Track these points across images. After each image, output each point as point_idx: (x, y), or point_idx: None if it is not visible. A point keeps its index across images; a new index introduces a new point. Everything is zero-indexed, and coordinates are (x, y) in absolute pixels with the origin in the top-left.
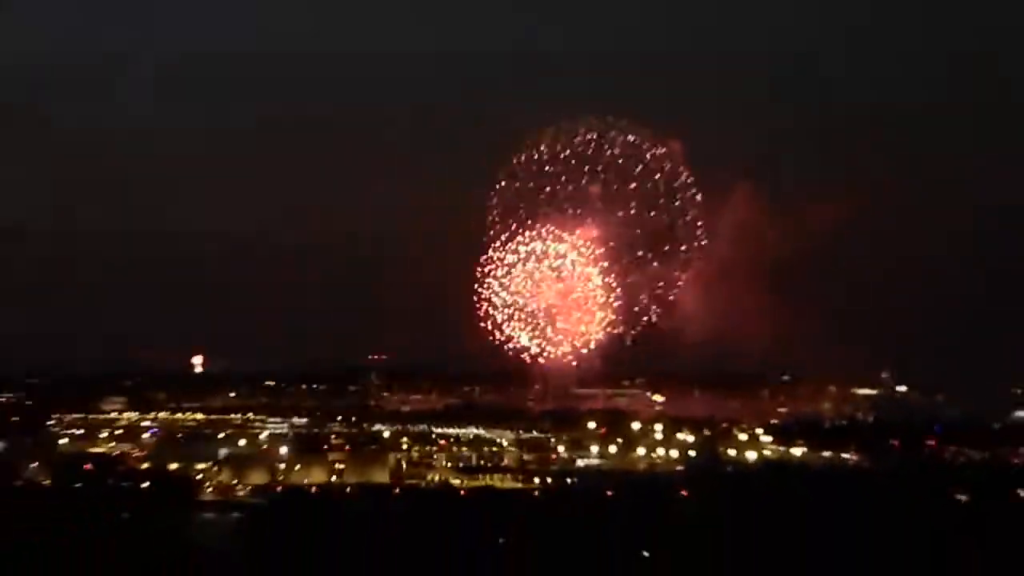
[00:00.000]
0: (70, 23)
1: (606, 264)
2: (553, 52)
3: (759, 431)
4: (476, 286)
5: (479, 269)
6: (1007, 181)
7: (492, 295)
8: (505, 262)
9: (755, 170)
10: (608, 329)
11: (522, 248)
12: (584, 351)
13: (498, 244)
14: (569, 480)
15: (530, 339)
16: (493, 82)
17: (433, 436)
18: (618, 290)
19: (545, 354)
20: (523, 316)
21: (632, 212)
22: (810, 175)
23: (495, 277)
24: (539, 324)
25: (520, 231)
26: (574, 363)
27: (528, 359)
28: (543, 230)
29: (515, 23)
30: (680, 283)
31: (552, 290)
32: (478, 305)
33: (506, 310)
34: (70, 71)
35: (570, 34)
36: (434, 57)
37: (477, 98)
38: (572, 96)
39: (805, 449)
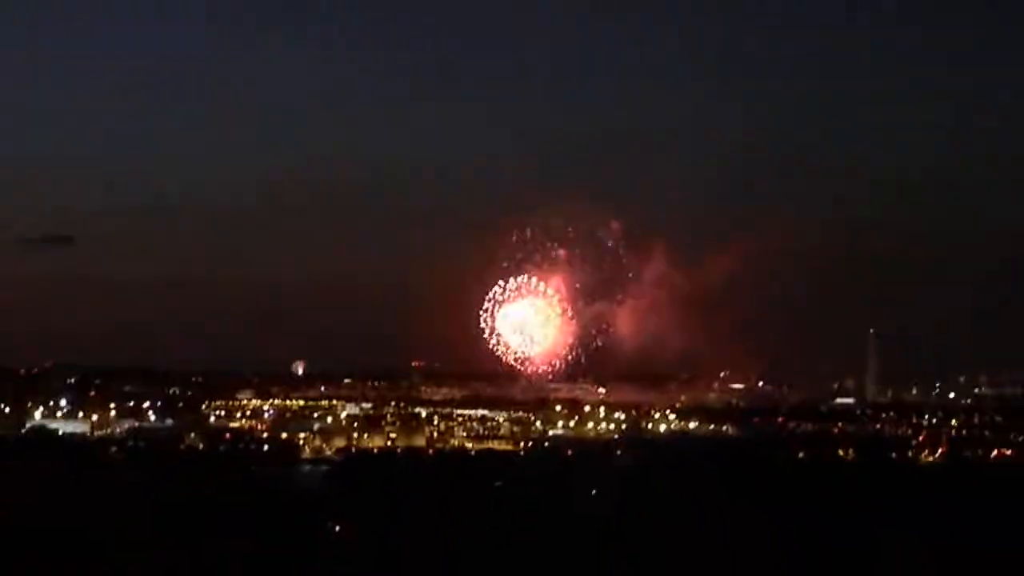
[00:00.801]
0: None
1: (567, 305)
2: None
3: (668, 412)
4: (484, 314)
5: (488, 301)
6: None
7: (498, 323)
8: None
9: (673, 231)
10: (570, 346)
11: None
12: (554, 361)
13: (502, 289)
14: (545, 444)
15: (519, 351)
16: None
17: (454, 415)
18: (574, 321)
19: (528, 361)
20: (518, 336)
21: (586, 269)
22: (711, 232)
23: (500, 308)
24: (526, 341)
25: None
26: (547, 368)
27: (518, 365)
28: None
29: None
30: (614, 317)
31: (534, 319)
32: (484, 325)
33: (505, 332)
34: None
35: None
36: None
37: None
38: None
39: (697, 424)
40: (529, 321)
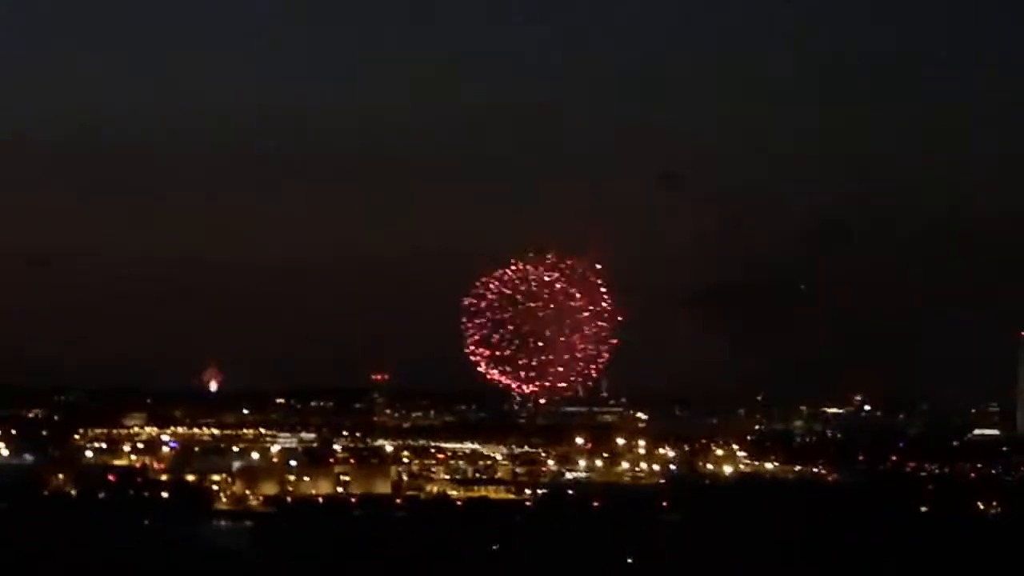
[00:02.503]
0: None
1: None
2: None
3: (736, 447)
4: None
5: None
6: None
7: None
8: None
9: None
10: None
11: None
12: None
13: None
14: (569, 491)
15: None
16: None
17: (432, 451)
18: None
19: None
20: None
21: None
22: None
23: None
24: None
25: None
26: (564, 384)
27: (520, 381)
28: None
29: None
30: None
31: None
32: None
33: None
34: None
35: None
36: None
37: None
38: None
39: (776, 463)
40: (538, 319)
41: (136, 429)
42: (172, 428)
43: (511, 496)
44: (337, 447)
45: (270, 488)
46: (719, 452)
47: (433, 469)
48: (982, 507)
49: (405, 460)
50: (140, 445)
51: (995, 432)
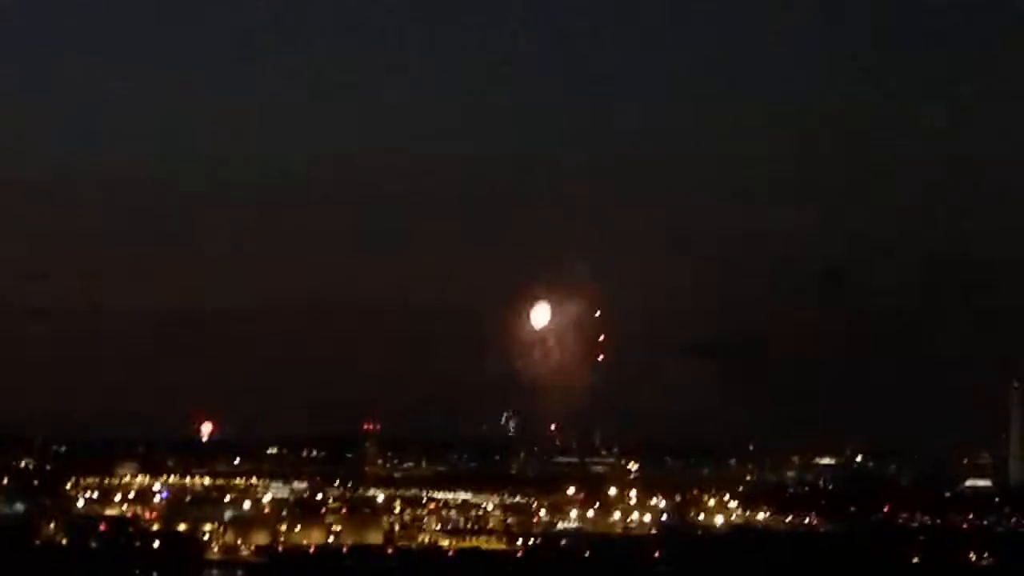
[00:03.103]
0: None
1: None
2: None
3: (728, 498)
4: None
5: None
6: None
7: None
8: None
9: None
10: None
11: None
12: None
13: None
14: (562, 541)
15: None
16: None
17: (424, 500)
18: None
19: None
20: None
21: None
22: None
23: None
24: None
25: None
26: (553, 432)
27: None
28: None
29: None
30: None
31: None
32: None
33: None
34: None
35: None
36: None
37: None
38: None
39: (768, 514)
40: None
41: (128, 478)
42: (164, 477)
43: (503, 546)
44: (329, 497)
45: (262, 538)
46: (710, 502)
47: (425, 519)
48: (974, 558)
49: (396, 510)
50: (132, 495)
51: (987, 483)
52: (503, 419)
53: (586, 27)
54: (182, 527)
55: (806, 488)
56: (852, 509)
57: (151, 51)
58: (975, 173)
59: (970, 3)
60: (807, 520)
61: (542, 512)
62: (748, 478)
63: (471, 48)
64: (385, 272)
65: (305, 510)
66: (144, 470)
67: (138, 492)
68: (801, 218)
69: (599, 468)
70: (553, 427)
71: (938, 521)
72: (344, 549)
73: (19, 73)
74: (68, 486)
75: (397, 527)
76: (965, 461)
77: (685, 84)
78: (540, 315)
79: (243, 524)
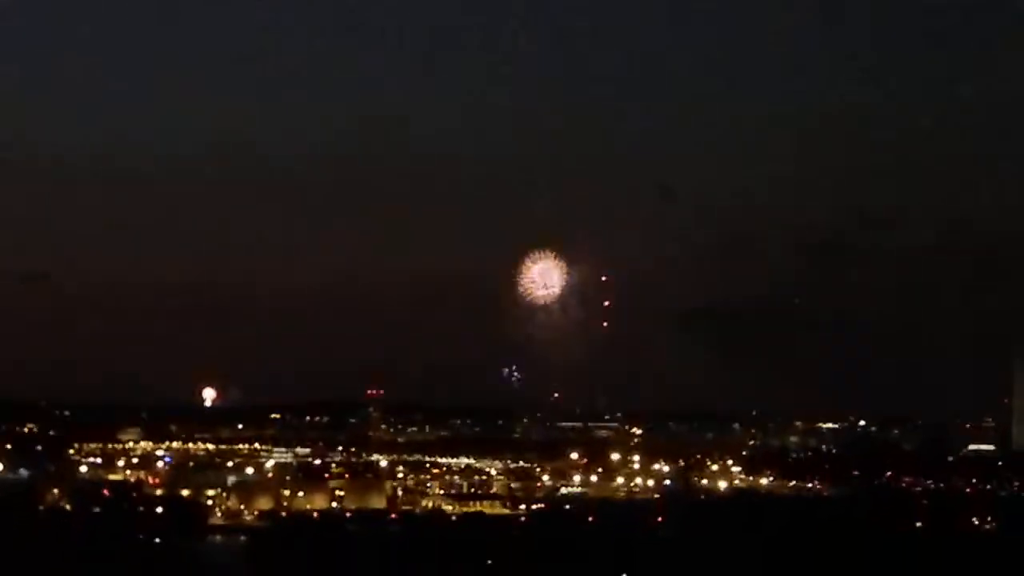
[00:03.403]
0: None
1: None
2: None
3: (731, 463)
4: None
5: None
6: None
7: None
8: None
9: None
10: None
11: None
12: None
13: None
14: (566, 506)
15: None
16: None
17: (427, 466)
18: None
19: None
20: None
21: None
22: None
23: None
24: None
25: None
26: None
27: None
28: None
29: None
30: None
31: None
32: None
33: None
34: None
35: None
36: None
37: None
38: None
39: (772, 479)
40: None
41: (131, 444)
42: (167, 443)
43: (506, 511)
44: (332, 462)
45: (265, 503)
46: (714, 467)
47: (428, 484)
48: (976, 522)
49: (400, 475)
50: (135, 460)
51: (991, 447)
52: (505, 372)
53: (586, 27)
54: (185, 492)
55: (809, 453)
56: (855, 473)
57: (151, 51)
58: (975, 173)
59: (970, 3)
60: (810, 485)
61: (545, 477)
62: (751, 443)
63: (471, 48)
64: (385, 269)
65: (308, 475)
66: (148, 435)
67: (142, 457)
68: (801, 218)
69: (603, 433)
70: (556, 395)
71: (941, 485)
72: (348, 514)
73: (19, 73)
74: (72, 451)
75: (400, 492)
76: (968, 426)
77: (685, 84)
78: (545, 280)
79: (246, 489)
